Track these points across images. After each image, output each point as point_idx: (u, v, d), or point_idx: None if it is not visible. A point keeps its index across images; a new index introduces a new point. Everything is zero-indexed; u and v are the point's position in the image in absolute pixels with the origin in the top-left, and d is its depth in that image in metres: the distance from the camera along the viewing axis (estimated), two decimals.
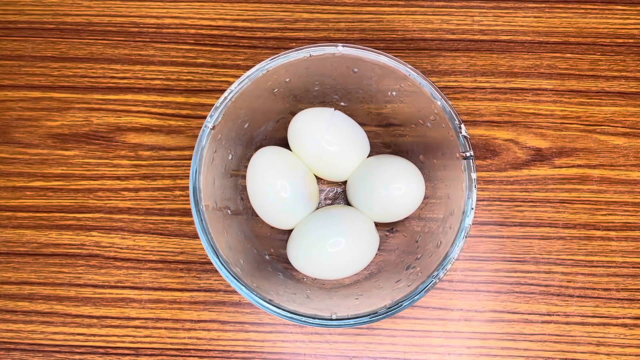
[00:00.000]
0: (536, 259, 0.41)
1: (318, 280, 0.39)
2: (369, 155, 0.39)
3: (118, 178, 0.43)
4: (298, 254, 0.37)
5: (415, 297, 0.32)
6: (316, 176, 0.40)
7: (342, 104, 0.40)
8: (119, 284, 0.42)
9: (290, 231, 0.39)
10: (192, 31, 0.44)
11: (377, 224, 0.39)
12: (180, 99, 0.43)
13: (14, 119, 0.44)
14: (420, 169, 0.38)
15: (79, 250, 0.42)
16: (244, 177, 0.38)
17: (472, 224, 0.33)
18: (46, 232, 0.42)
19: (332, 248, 0.36)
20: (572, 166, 0.43)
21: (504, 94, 0.43)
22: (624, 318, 0.41)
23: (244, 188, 0.38)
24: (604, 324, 0.41)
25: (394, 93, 0.37)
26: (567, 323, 0.41)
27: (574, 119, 0.43)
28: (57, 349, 0.41)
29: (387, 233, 0.40)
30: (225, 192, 0.37)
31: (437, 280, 0.32)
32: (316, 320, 0.32)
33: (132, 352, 0.41)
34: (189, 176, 0.34)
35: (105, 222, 0.42)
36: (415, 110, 0.36)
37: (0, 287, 0.42)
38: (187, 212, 0.42)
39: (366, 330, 0.41)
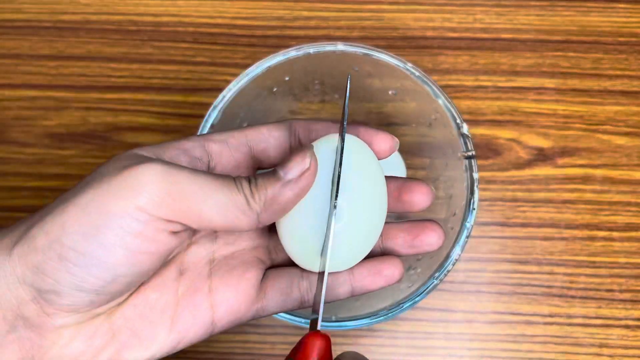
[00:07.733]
0: (538, 259, 0.41)
1: None
2: None
3: None
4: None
5: (417, 299, 0.32)
6: None
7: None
8: None
9: None
10: (191, 29, 0.44)
11: None
12: (178, 97, 0.43)
13: (11, 118, 0.43)
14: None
15: None
16: None
17: (474, 224, 0.32)
18: None
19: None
20: (575, 166, 0.42)
21: (505, 93, 0.43)
22: (626, 319, 0.40)
23: None
24: (606, 326, 0.40)
25: (394, 92, 0.37)
26: (569, 324, 0.40)
27: (576, 118, 0.43)
28: None
29: None
30: None
31: (439, 282, 0.32)
32: None
33: None
34: None
35: None
36: (417, 109, 0.36)
37: None
38: None
39: (367, 331, 0.41)
